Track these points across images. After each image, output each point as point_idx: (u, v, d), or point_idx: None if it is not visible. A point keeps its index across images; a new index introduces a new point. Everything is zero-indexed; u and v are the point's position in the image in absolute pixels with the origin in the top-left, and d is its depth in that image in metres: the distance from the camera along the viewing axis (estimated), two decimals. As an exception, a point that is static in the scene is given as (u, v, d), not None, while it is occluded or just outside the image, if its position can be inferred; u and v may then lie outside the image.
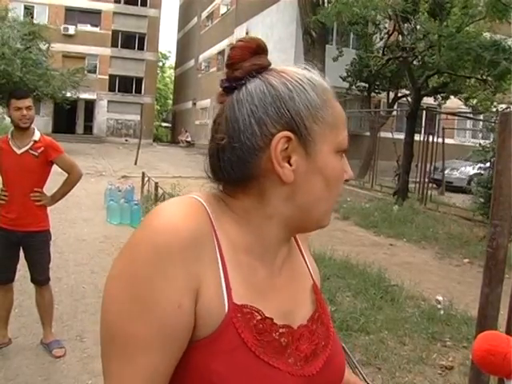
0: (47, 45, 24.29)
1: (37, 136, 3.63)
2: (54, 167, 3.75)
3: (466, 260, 7.67)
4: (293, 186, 0.81)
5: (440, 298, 5.47)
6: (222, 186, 0.86)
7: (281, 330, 0.82)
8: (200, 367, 0.74)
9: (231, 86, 0.84)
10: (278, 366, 0.79)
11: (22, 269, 4.00)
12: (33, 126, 3.66)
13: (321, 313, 0.93)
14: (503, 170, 2.04)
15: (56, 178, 3.88)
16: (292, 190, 0.81)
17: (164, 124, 55.88)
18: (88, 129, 38.35)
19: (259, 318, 0.79)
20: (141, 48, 40.38)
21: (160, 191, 9.88)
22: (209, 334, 0.75)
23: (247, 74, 0.83)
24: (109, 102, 38.74)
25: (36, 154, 3.58)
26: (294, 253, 0.96)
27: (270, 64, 0.86)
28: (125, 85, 39.80)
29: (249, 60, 0.83)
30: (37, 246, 3.71)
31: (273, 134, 0.79)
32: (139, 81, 40.43)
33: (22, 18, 25.29)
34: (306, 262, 1.00)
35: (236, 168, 0.82)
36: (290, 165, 0.80)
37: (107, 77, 38.72)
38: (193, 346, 0.75)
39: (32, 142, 3.59)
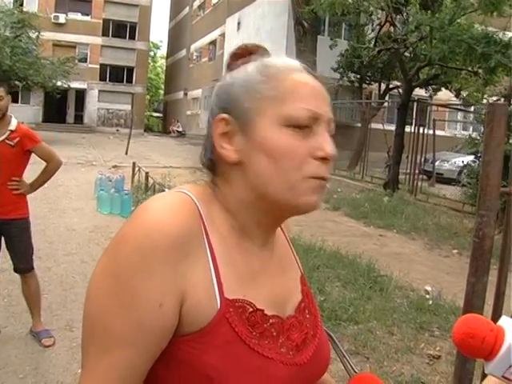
0: (37, 33, 24.05)
1: (13, 125, 3.58)
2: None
3: (455, 251, 7.73)
4: (242, 166, 0.82)
5: (429, 289, 5.51)
6: (209, 176, 0.89)
7: (271, 321, 0.83)
8: (192, 361, 0.75)
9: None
10: (271, 356, 0.80)
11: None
12: (9, 114, 3.61)
13: (307, 303, 0.94)
14: (491, 160, 2.05)
15: (40, 166, 3.85)
16: (243, 171, 0.82)
17: (155, 114, 55.67)
18: (79, 118, 38.12)
19: (251, 310, 0.80)
20: (132, 37, 40.07)
21: (150, 181, 9.87)
22: (200, 329, 0.75)
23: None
24: (99, 91, 38.50)
25: (12, 143, 3.54)
26: (281, 243, 0.97)
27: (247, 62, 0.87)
28: (116, 74, 39.54)
29: (248, 57, 0.88)
30: (16, 233, 3.67)
31: (215, 118, 0.84)
32: (130, 70, 40.18)
33: (11, 5, 24.97)
34: (293, 253, 1.01)
35: (206, 154, 0.88)
36: (232, 146, 0.82)
37: (98, 66, 38.44)
38: (182, 339, 0.76)
39: (8, 132, 3.54)
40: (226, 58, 0.92)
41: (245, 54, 0.88)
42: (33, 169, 3.89)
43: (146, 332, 0.73)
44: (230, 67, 0.89)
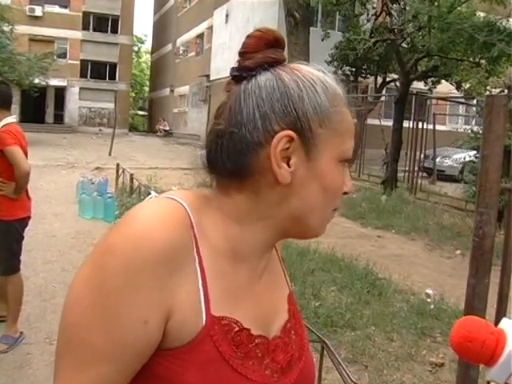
0: (11, 27, 23.82)
1: None
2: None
3: (458, 252, 7.75)
4: (289, 188, 0.81)
5: (430, 292, 5.52)
6: (215, 181, 0.86)
7: (256, 341, 0.83)
8: (171, 378, 0.75)
9: (241, 75, 0.84)
10: (255, 378, 0.80)
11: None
12: None
13: (293, 323, 0.94)
14: (489, 154, 2.05)
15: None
16: (287, 192, 0.81)
17: (140, 112, 55.55)
18: (58, 118, 37.97)
19: (237, 329, 0.80)
20: (114, 31, 39.97)
21: (136, 183, 9.83)
22: (182, 345, 0.75)
23: (259, 65, 0.83)
24: (80, 89, 38.37)
25: None
26: (273, 259, 0.97)
27: (284, 59, 0.86)
28: (98, 71, 39.42)
29: (263, 51, 0.83)
30: None
31: (276, 131, 0.79)
32: (113, 66, 40.08)
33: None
34: (283, 270, 1.02)
35: (232, 159, 0.81)
36: (289, 166, 0.80)
37: (78, 62, 38.30)
38: (162, 353, 0.75)
39: None
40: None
41: (259, 46, 0.84)
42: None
43: (128, 349, 0.72)
44: (246, 58, 0.84)
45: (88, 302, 0.73)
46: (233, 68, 0.85)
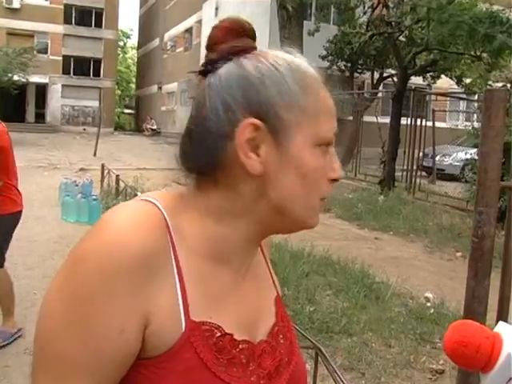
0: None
1: None
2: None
3: (459, 254, 7.77)
4: (263, 179, 0.80)
5: (430, 296, 5.54)
6: (191, 180, 0.86)
7: (241, 346, 0.83)
8: None
9: (206, 68, 0.84)
10: None
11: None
12: None
13: (281, 327, 0.94)
14: (489, 152, 2.06)
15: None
16: (263, 184, 0.81)
17: (126, 111, 55.50)
18: (40, 117, 37.84)
19: (219, 334, 0.80)
20: (98, 25, 39.90)
21: (122, 185, 9.81)
22: (162, 353, 0.75)
23: (222, 56, 0.83)
24: (63, 86, 38.27)
25: None
26: (258, 259, 0.97)
27: (252, 47, 0.85)
28: (81, 67, 39.32)
29: (228, 42, 0.83)
30: None
31: (239, 120, 0.79)
32: (97, 62, 40.00)
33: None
34: (269, 270, 1.01)
35: (202, 156, 0.82)
36: (258, 156, 0.80)
37: (60, 58, 38.21)
38: (142, 362, 0.75)
39: None
40: (205, 40, 0.87)
41: (226, 37, 0.84)
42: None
43: (105, 360, 0.72)
44: (213, 49, 0.84)
45: (61, 312, 0.73)
46: (201, 64, 0.86)
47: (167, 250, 0.78)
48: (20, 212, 4.19)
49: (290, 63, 0.83)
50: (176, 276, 0.78)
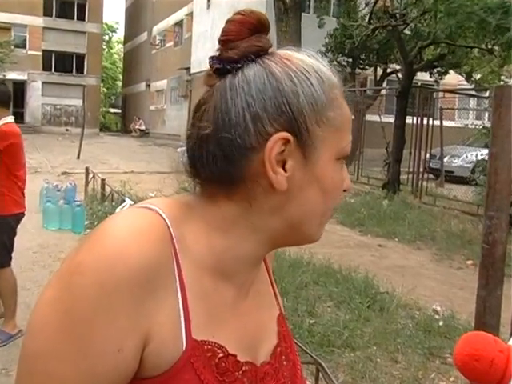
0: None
1: None
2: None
3: (470, 262, 7.77)
4: (286, 195, 0.80)
5: (438, 307, 5.54)
6: (199, 187, 0.85)
7: (244, 368, 0.83)
8: None
9: (224, 68, 0.82)
10: None
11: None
12: None
13: (284, 348, 0.94)
14: (499, 152, 2.06)
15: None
16: (284, 199, 0.81)
17: (113, 110, 55.51)
18: (18, 116, 37.09)
19: (221, 355, 0.80)
20: (81, 18, 39.80)
21: (108, 189, 9.80)
22: (160, 373, 0.74)
23: (244, 56, 0.81)
24: (44, 83, 38.18)
25: None
26: (262, 274, 0.97)
27: (271, 46, 0.84)
28: (63, 63, 39.25)
29: (247, 39, 0.82)
30: None
31: (269, 133, 0.78)
32: (81, 58, 39.94)
33: None
34: (272, 286, 1.01)
35: (221, 165, 0.80)
36: (285, 171, 0.79)
37: (40, 53, 38.12)
38: (139, 383, 0.75)
39: None
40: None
41: (242, 32, 0.82)
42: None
43: (100, 380, 0.71)
44: (229, 47, 0.82)
45: (54, 328, 0.71)
46: (213, 58, 0.83)
47: (170, 263, 0.77)
48: (23, 214, 4.53)
49: (317, 71, 0.83)
50: (179, 291, 0.77)
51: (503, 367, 0.74)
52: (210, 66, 0.83)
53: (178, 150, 0.87)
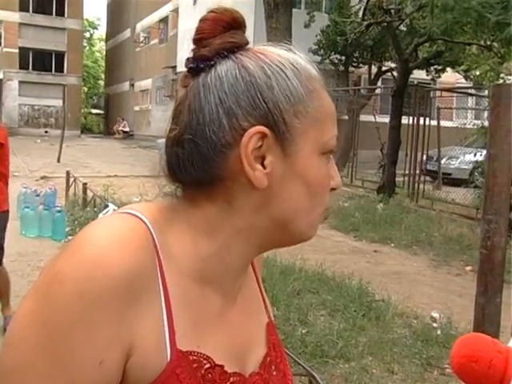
0: None
1: None
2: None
3: (469, 268, 7.78)
4: (267, 192, 0.81)
5: (436, 315, 5.55)
6: (181, 191, 0.86)
7: (231, 379, 0.83)
8: None
9: (197, 66, 0.83)
10: None
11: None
12: None
13: (273, 357, 0.94)
14: (497, 153, 2.07)
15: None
16: (266, 197, 0.81)
17: (94, 111, 55.32)
18: (-6, 118, 37.55)
19: (208, 366, 0.80)
20: (60, 13, 39.63)
21: (90, 194, 9.76)
22: None
23: (217, 53, 0.82)
24: (20, 82, 38.00)
25: None
26: (249, 279, 0.97)
27: (246, 42, 0.85)
28: (41, 61, 39.09)
29: (220, 36, 0.82)
30: None
31: (244, 128, 0.79)
32: (60, 56, 39.80)
33: None
34: (261, 292, 1.01)
35: (198, 166, 0.81)
36: (264, 167, 0.80)
37: (16, 50, 37.94)
38: None
39: None
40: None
41: (216, 30, 0.83)
42: None
43: None
44: (202, 45, 0.83)
45: (33, 342, 0.71)
46: (188, 59, 0.84)
47: (154, 271, 0.77)
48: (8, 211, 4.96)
49: (293, 63, 0.83)
50: (163, 300, 0.77)
51: (502, 369, 0.74)
52: (185, 66, 0.85)
53: (156, 153, 0.88)
